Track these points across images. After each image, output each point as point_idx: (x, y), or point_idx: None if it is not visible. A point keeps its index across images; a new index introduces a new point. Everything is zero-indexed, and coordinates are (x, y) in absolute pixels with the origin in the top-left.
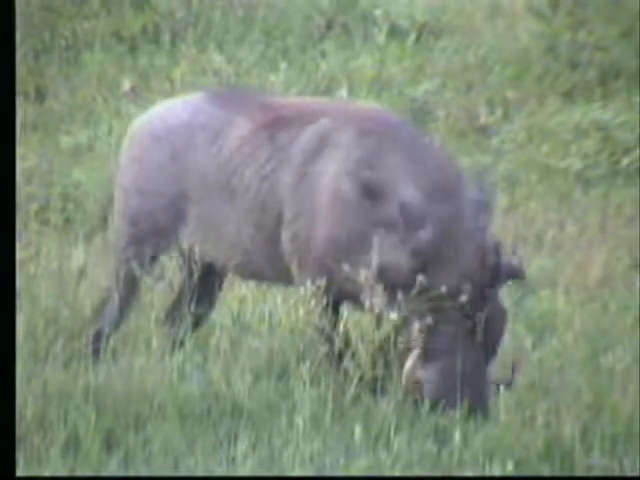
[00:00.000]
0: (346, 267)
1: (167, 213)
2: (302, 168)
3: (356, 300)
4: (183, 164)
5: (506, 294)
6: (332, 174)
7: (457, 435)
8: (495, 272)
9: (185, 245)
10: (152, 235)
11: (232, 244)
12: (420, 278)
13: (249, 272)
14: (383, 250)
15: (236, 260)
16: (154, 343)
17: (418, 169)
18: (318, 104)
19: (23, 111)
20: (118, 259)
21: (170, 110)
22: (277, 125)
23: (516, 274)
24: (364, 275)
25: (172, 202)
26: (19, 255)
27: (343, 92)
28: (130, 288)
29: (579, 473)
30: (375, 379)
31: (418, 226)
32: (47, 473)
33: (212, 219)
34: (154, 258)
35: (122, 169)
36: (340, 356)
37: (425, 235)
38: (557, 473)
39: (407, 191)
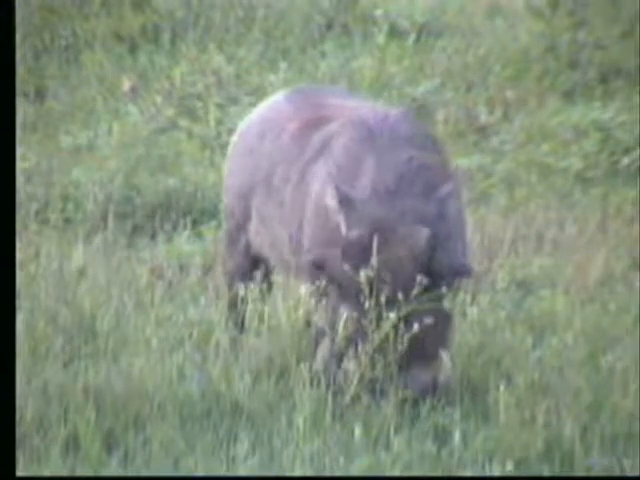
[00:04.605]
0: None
1: (240, 207)
2: (303, 171)
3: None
4: (256, 158)
5: (505, 294)
6: (319, 181)
7: (457, 435)
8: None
9: (251, 240)
10: (239, 231)
11: (272, 241)
12: (420, 278)
13: (286, 269)
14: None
15: (275, 255)
16: (154, 343)
17: (379, 175)
18: (343, 108)
19: (23, 111)
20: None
21: (256, 108)
22: (310, 125)
23: (462, 273)
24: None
25: (243, 196)
26: (19, 255)
27: None
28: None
29: (579, 473)
30: (375, 379)
31: (356, 223)
32: (47, 473)
33: (261, 214)
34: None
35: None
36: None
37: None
38: (557, 473)
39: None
